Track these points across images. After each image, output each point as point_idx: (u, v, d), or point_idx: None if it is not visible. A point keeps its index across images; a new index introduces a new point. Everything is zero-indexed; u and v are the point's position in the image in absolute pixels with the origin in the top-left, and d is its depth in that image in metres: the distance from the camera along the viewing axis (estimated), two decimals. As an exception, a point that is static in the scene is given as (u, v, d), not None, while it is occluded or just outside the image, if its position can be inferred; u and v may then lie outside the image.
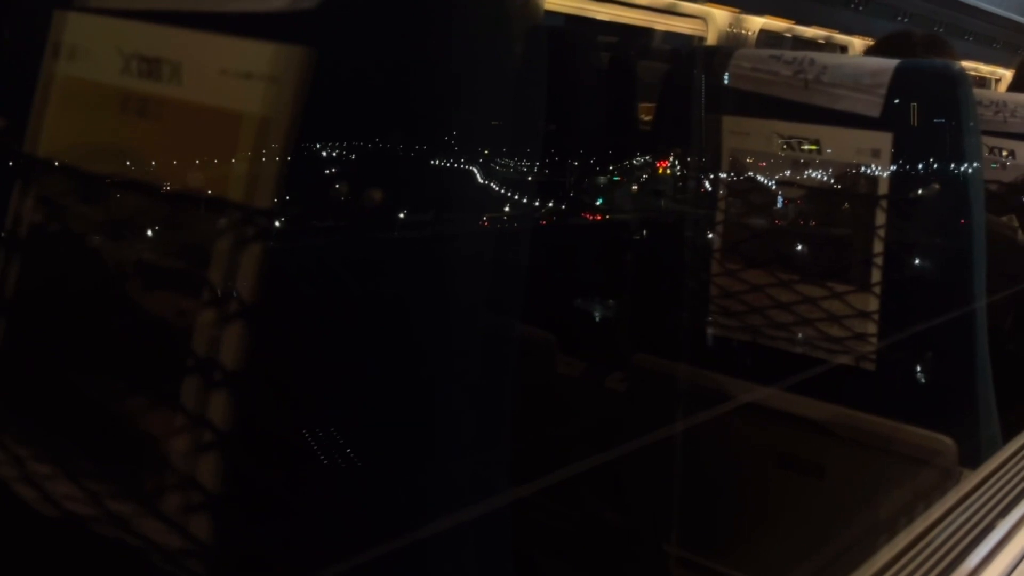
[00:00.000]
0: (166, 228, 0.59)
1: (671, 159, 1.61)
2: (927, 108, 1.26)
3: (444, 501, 0.58)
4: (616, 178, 1.76)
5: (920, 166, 1.26)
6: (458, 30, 0.59)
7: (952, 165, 1.26)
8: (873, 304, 1.25)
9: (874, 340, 1.25)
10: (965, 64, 1.42)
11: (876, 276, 1.25)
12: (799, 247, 1.34)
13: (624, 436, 1.24)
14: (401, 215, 0.58)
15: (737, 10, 2.98)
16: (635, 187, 1.74)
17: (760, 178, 1.33)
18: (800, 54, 1.32)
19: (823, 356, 1.28)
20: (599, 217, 1.75)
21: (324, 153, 0.56)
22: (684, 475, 1.15)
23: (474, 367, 0.59)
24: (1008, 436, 1.28)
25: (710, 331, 1.35)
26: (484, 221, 0.61)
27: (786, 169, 1.31)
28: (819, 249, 1.33)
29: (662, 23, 2.98)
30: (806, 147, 1.29)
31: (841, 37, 3.50)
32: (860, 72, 1.26)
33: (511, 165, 0.62)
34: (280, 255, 0.55)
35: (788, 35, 3.33)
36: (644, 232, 1.67)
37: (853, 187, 1.27)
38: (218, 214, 0.55)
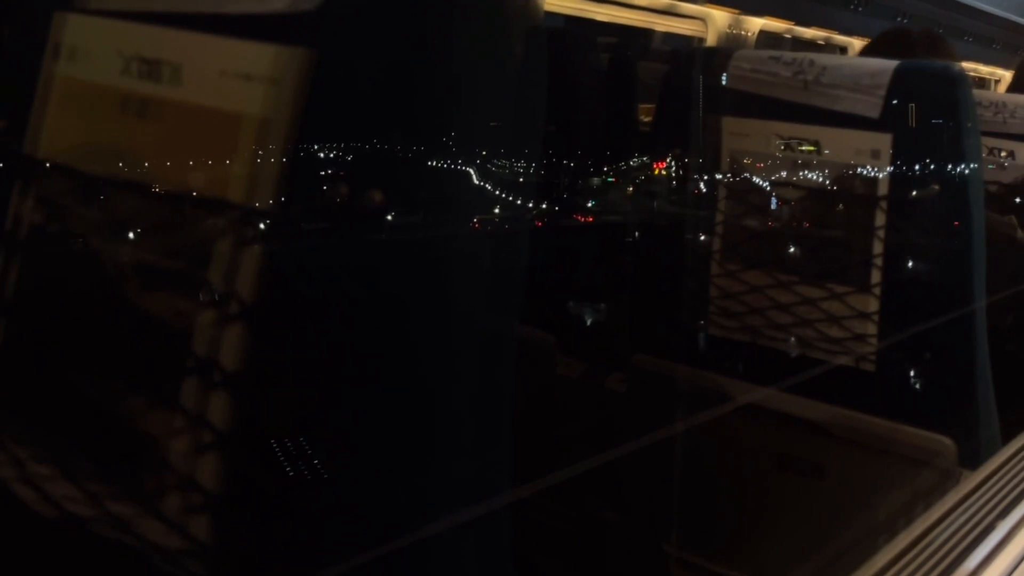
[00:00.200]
0: (166, 229, 0.59)
1: (671, 160, 1.61)
2: (927, 109, 1.26)
3: (444, 502, 0.58)
4: (616, 179, 1.76)
5: (920, 167, 1.26)
6: (458, 31, 0.59)
7: (952, 166, 1.26)
8: (873, 305, 1.25)
9: (873, 341, 1.25)
10: (964, 65, 1.42)
11: (876, 277, 1.25)
12: (798, 248, 1.34)
13: (624, 437, 1.24)
14: (401, 216, 0.58)
15: (736, 11, 2.98)
16: (635, 188, 1.74)
17: (760, 179, 1.33)
18: (800, 55, 1.32)
19: (823, 357, 1.28)
20: (599, 218, 1.75)
21: (324, 154, 0.56)
22: (684, 476, 1.15)
23: (474, 368, 0.59)
24: (1008, 437, 1.28)
25: (710, 332, 1.35)
26: (484, 222, 0.61)
27: (786, 170, 1.31)
28: (818, 250, 1.33)
29: (661, 24, 2.98)
30: (805, 148, 1.29)
31: (841, 38, 3.50)
32: (859, 73, 1.26)
33: (511, 166, 0.62)
34: (280, 256, 0.55)
35: (787, 36, 3.33)
36: (644, 233, 1.67)
37: (852, 188, 1.27)
38: (218, 215, 0.55)
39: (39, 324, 0.64)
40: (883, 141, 1.24)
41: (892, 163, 1.24)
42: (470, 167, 0.58)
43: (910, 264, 1.28)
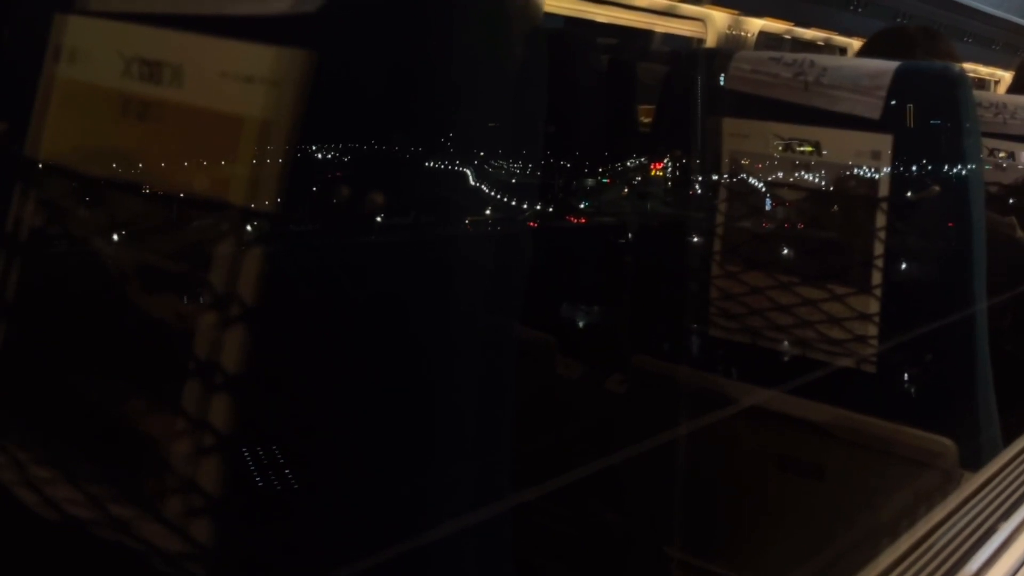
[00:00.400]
0: (167, 231, 0.58)
1: (671, 161, 1.61)
2: (927, 110, 1.26)
3: (445, 504, 0.58)
4: (616, 180, 1.76)
5: (920, 168, 1.26)
6: (458, 33, 0.59)
7: (952, 167, 1.26)
8: (873, 306, 1.25)
9: (874, 342, 1.25)
10: (964, 66, 1.42)
11: (876, 278, 1.25)
12: (799, 249, 1.34)
13: (624, 438, 1.24)
14: (402, 218, 0.58)
15: (736, 12, 2.99)
16: (636, 189, 1.74)
17: (760, 180, 1.33)
18: (800, 56, 1.32)
19: (823, 358, 1.28)
20: (600, 219, 1.75)
21: (325, 156, 0.56)
22: (684, 477, 1.15)
23: (475, 369, 0.59)
24: (1009, 438, 1.28)
25: (710, 333, 1.35)
26: (485, 223, 0.61)
27: (786, 171, 1.31)
28: (819, 251, 1.33)
29: (661, 25, 2.98)
30: (806, 149, 1.29)
31: (840, 39, 3.50)
32: (860, 74, 1.26)
33: (512, 167, 0.62)
34: (281, 258, 0.54)
35: (787, 37, 3.33)
36: (645, 234, 1.67)
37: (853, 189, 1.27)
38: (219, 217, 0.55)
39: (40, 326, 0.64)
40: (883, 142, 1.24)
41: (892, 164, 1.24)
42: (471, 168, 0.58)
43: (911, 265, 1.28)
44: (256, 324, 0.53)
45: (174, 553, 0.54)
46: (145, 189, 0.59)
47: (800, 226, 1.35)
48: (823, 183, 1.29)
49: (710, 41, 2.97)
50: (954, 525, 0.98)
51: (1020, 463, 1.18)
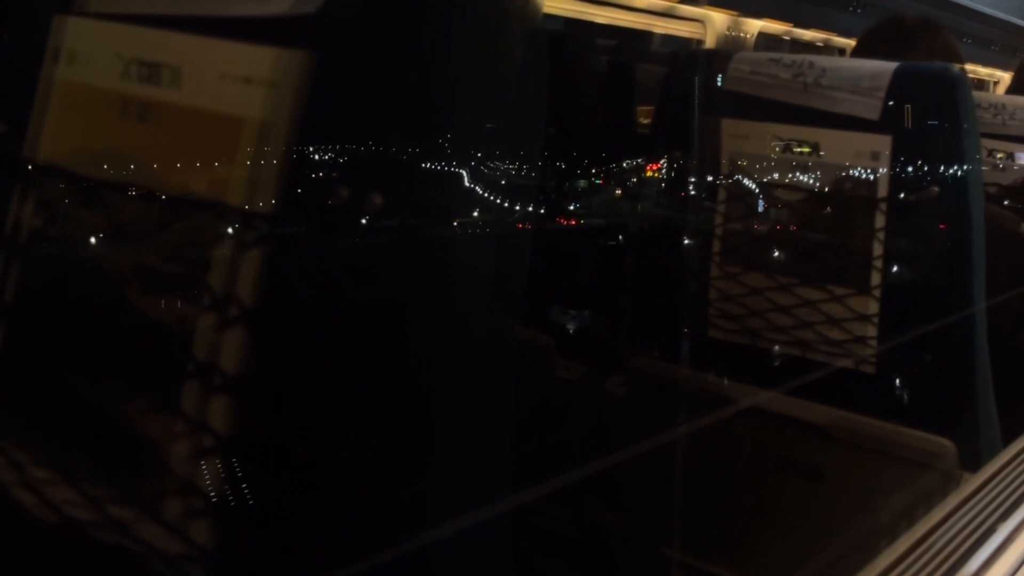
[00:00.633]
0: (166, 233, 0.58)
1: (670, 162, 1.61)
2: (926, 111, 1.26)
3: (445, 506, 0.58)
4: (615, 182, 1.76)
5: (919, 169, 1.26)
6: (458, 34, 0.59)
7: (951, 168, 1.26)
8: (873, 307, 1.25)
9: (873, 343, 1.25)
10: (963, 67, 1.42)
11: (876, 279, 1.25)
12: (798, 250, 1.34)
13: (624, 440, 1.24)
14: (401, 219, 0.58)
15: (735, 13, 2.99)
16: (635, 191, 1.74)
17: (759, 181, 1.33)
18: (799, 57, 1.32)
19: (822, 359, 1.28)
20: (599, 220, 1.75)
21: (324, 158, 0.56)
22: (683, 478, 1.15)
23: (475, 371, 0.59)
24: (1008, 439, 1.28)
25: (710, 334, 1.35)
26: (484, 225, 0.61)
27: (785, 172, 1.31)
28: (818, 252, 1.33)
29: (661, 26, 2.98)
30: (805, 150, 1.29)
31: (840, 40, 3.50)
32: (859, 75, 1.26)
33: (511, 169, 0.62)
34: (280, 260, 0.55)
35: (786, 38, 3.33)
36: (644, 235, 1.67)
37: (852, 190, 1.27)
38: (218, 218, 0.55)
39: (39, 328, 0.64)
40: (883, 143, 1.24)
41: (892, 165, 1.24)
42: (471, 170, 0.58)
43: (910, 266, 1.28)
44: (255, 326, 0.53)
45: (174, 554, 0.54)
46: (144, 190, 0.59)
47: (799, 227, 1.35)
48: (822, 184, 1.29)
49: (709, 42, 2.97)
50: (953, 526, 0.98)
51: (1019, 464, 1.18)
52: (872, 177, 1.25)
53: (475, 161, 0.59)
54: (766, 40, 3.15)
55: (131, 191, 0.59)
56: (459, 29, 0.59)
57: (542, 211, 1.58)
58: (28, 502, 0.58)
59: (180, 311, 0.56)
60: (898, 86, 1.24)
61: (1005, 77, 4.44)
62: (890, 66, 1.26)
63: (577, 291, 1.68)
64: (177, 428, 0.54)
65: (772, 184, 1.32)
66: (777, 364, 1.31)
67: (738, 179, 1.34)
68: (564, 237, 1.70)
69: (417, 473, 0.57)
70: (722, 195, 1.36)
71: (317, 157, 0.56)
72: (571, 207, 1.70)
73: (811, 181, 1.30)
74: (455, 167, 0.58)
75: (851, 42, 3.43)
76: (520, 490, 0.62)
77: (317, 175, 0.56)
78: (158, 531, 0.54)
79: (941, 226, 1.29)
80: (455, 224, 0.60)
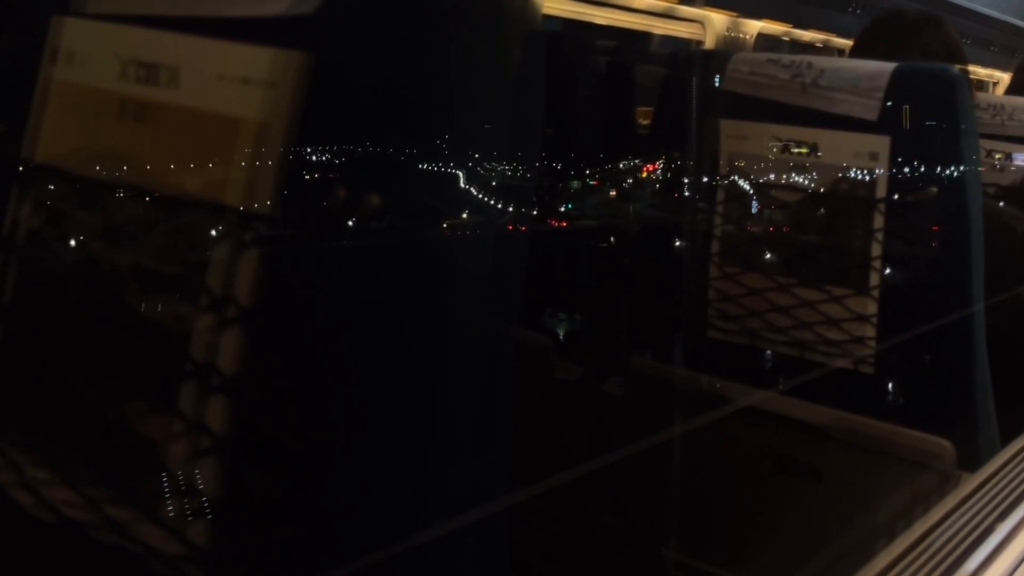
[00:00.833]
0: (164, 233, 0.59)
1: (669, 163, 1.61)
2: (925, 111, 1.26)
3: (443, 506, 0.58)
4: (614, 182, 1.76)
5: (918, 169, 1.26)
6: (456, 35, 0.59)
7: (950, 168, 1.26)
8: (871, 307, 1.25)
9: (872, 343, 1.25)
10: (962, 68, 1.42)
11: (874, 279, 1.25)
12: (797, 251, 1.34)
13: (622, 440, 1.24)
14: (399, 220, 0.58)
15: (735, 14, 2.99)
16: (634, 191, 1.74)
17: (758, 181, 1.33)
18: (797, 57, 1.32)
19: (821, 360, 1.28)
20: (598, 221, 1.75)
21: (322, 158, 0.56)
22: (682, 479, 1.15)
23: (473, 371, 0.59)
24: (1006, 439, 1.28)
25: (709, 335, 1.35)
26: (482, 226, 0.61)
27: (784, 172, 1.31)
28: (817, 252, 1.33)
29: (660, 27, 2.98)
30: (804, 150, 1.29)
31: (839, 41, 3.50)
32: (857, 75, 1.27)
33: (510, 170, 0.62)
34: (278, 260, 0.55)
35: (786, 39, 3.33)
36: (643, 236, 1.67)
37: (851, 190, 1.27)
38: (216, 219, 0.55)
39: (37, 328, 0.64)
40: (881, 143, 1.24)
41: (890, 165, 1.24)
42: (468, 171, 0.58)
43: (909, 267, 1.28)
44: (253, 326, 0.53)
45: (172, 555, 0.54)
46: (142, 191, 0.59)
47: (798, 228, 1.35)
48: (821, 185, 1.29)
49: (709, 43, 2.97)
50: (951, 525, 0.98)
51: (1017, 464, 1.18)
52: (870, 178, 1.25)
53: (473, 162, 0.59)
54: (765, 41, 3.15)
55: (129, 192, 0.59)
56: (457, 30, 0.59)
57: (541, 212, 1.59)
58: (27, 503, 0.58)
59: (178, 311, 0.56)
60: (897, 86, 1.24)
61: (1004, 78, 4.45)
62: (889, 66, 1.26)
63: (576, 292, 1.68)
64: (175, 428, 0.54)
65: (771, 185, 1.32)
66: (776, 365, 1.31)
67: (737, 180, 1.34)
68: (563, 238, 1.70)
69: (415, 473, 0.57)
70: (721, 196, 1.36)
71: (315, 158, 0.56)
72: (570, 208, 1.70)
73: (810, 182, 1.30)
74: (453, 168, 0.58)
75: (850, 43, 3.44)
76: (519, 491, 0.63)
77: (315, 176, 0.56)
78: (156, 532, 0.55)
79: (940, 226, 1.29)
80: (453, 224, 0.60)
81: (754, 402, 1.24)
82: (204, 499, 0.53)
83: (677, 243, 1.51)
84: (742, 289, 1.32)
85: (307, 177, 0.56)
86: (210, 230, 0.55)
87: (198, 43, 0.57)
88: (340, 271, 0.56)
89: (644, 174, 1.74)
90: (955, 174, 1.26)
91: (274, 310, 0.55)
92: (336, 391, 0.56)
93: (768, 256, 1.34)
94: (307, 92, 0.53)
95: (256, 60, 0.54)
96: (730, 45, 2.98)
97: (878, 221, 1.25)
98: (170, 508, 0.54)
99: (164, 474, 0.54)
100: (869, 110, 1.24)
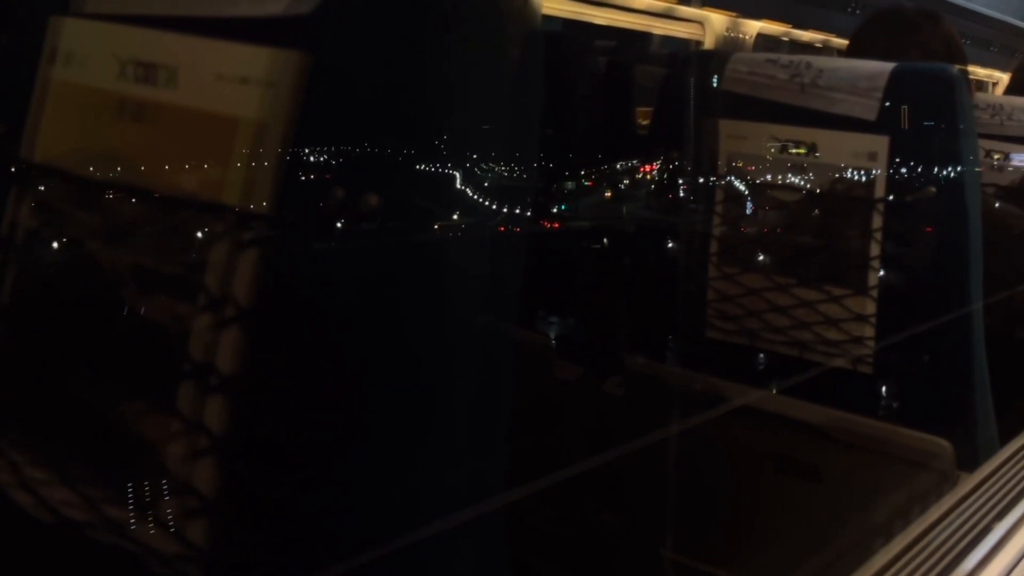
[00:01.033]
0: (162, 233, 0.59)
1: (668, 163, 1.61)
2: (924, 111, 1.26)
3: (440, 506, 0.58)
4: (613, 183, 1.76)
5: (917, 169, 1.26)
6: (455, 35, 0.59)
7: (949, 168, 1.27)
8: (870, 307, 1.25)
9: (871, 343, 1.25)
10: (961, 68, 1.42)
11: (873, 280, 1.25)
12: (796, 251, 1.34)
13: (621, 440, 1.24)
14: (397, 220, 0.58)
15: (734, 14, 2.99)
16: (633, 191, 1.74)
17: (757, 181, 1.33)
18: (796, 57, 1.32)
19: (820, 359, 1.28)
20: (597, 222, 1.75)
21: (320, 158, 0.56)
22: (681, 479, 1.15)
23: (470, 371, 0.59)
24: (1005, 439, 1.28)
25: (707, 335, 1.35)
26: (481, 226, 0.61)
27: (783, 172, 1.31)
28: (816, 252, 1.33)
29: (660, 27, 2.98)
30: (803, 150, 1.30)
31: (838, 41, 3.50)
32: (856, 75, 1.27)
33: (507, 170, 0.62)
34: (276, 260, 0.55)
35: (785, 39, 3.33)
36: (642, 236, 1.67)
37: (850, 190, 1.27)
38: (214, 219, 0.55)
39: (35, 329, 0.64)
40: (880, 143, 1.24)
41: (889, 165, 1.24)
42: (467, 171, 0.59)
43: (907, 267, 1.28)
44: (251, 326, 0.53)
45: (170, 555, 0.54)
46: (140, 191, 0.59)
47: (797, 228, 1.35)
48: (819, 185, 1.29)
49: (708, 43, 2.97)
50: (950, 525, 0.98)
51: (1016, 463, 1.18)
52: (869, 178, 1.25)
53: (472, 162, 0.59)
54: (765, 41, 3.15)
55: (127, 191, 0.60)
56: (456, 30, 0.59)
57: (540, 212, 1.59)
58: (25, 502, 0.58)
59: (176, 311, 0.56)
60: (895, 86, 1.24)
61: (1004, 78, 4.45)
62: (888, 66, 1.26)
63: (576, 292, 1.68)
64: (173, 428, 0.54)
65: (770, 185, 1.32)
66: (775, 365, 1.31)
67: (736, 180, 1.35)
68: (562, 238, 1.70)
69: (412, 473, 0.58)
70: (720, 196, 1.36)
71: (313, 158, 0.56)
72: (569, 208, 1.70)
73: (808, 182, 1.30)
74: (451, 168, 0.58)
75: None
76: (517, 490, 0.63)
77: (313, 176, 0.56)
78: (155, 531, 0.55)
79: (938, 226, 1.29)
80: (451, 225, 0.60)
81: (753, 402, 1.24)
82: (202, 499, 0.53)
83: (676, 243, 1.51)
84: (741, 289, 1.32)
85: (306, 177, 0.56)
86: (208, 230, 0.55)
87: (196, 43, 0.57)
88: (338, 271, 0.57)
89: (644, 174, 1.74)
90: (954, 174, 1.26)
91: (272, 310, 0.55)
92: (334, 391, 0.56)
93: (767, 256, 1.34)
94: (305, 92, 0.53)
95: (254, 60, 0.54)
96: (729, 45, 2.98)
97: (877, 221, 1.25)
98: (169, 508, 0.54)
99: (163, 474, 0.54)
100: (868, 110, 1.24)
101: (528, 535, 1.21)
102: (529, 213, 0.65)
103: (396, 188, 0.58)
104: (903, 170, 1.25)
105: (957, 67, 1.31)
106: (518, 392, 0.61)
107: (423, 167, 0.58)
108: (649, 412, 1.34)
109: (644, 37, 3.01)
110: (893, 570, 0.89)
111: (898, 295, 1.26)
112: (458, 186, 0.59)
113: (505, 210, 0.62)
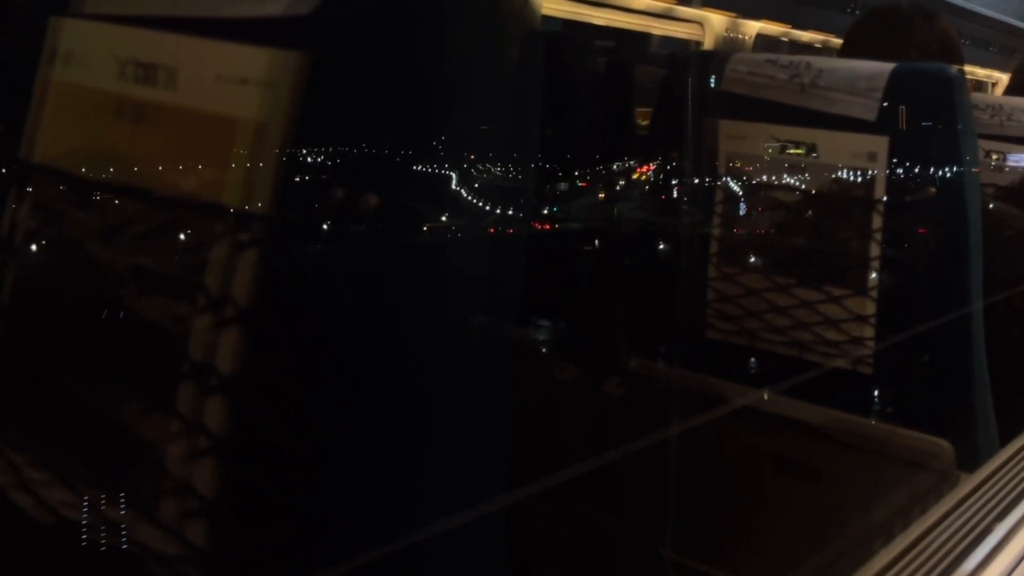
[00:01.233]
0: (162, 233, 0.59)
1: (668, 163, 1.61)
2: (923, 111, 1.26)
3: (440, 507, 0.58)
4: (613, 183, 1.76)
5: (916, 170, 1.26)
6: (454, 35, 0.59)
7: (948, 169, 1.27)
8: (870, 308, 1.25)
9: (871, 344, 1.25)
10: (961, 68, 1.42)
11: (873, 280, 1.25)
12: (795, 251, 1.34)
13: (621, 441, 1.24)
14: (396, 221, 0.58)
15: (734, 14, 2.99)
16: (632, 192, 1.74)
17: (757, 182, 1.33)
18: (796, 58, 1.32)
19: (820, 360, 1.28)
20: (596, 222, 1.75)
21: (320, 159, 0.56)
22: (680, 479, 1.15)
23: (470, 372, 0.59)
24: (1005, 439, 1.28)
25: (707, 335, 1.35)
26: (480, 227, 0.61)
27: (782, 173, 1.31)
28: (816, 253, 1.33)
29: (659, 28, 2.98)
30: (802, 151, 1.30)
31: (838, 41, 3.50)
32: (856, 76, 1.27)
33: (507, 171, 0.62)
34: (276, 261, 0.55)
35: (785, 39, 3.33)
36: (642, 236, 1.67)
37: (849, 191, 1.27)
38: (214, 219, 0.55)
39: (35, 329, 0.64)
40: (880, 144, 1.24)
41: (889, 166, 1.24)
42: (466, 172, 0.58)
43: (907, 267, 1.28)
44: (251, 326, 0.53)
45: (170, 555, 0.54)
46: (139, 191, 0.59)
47: (797, 228, 1.35)
48: (819, 185, 1.29)
49: (708, 44, 2.97)
50: (950, 525, 0.98)
51: (1016, 464, 1.18)
52: (869, 178, 1.25)
53: (471, 163, 0.59)
54: (764, 41, 3.15)
55: (127, 192, 0.59)
56: (456, 30, 0.59)
57: (539, 213, 1.59)
58: (25, 503, 0.58)
59: (176, 312, 0.56)
60: (895, 87, 1.24)
61: (1003, 78, 4.45)
62: (887, 67, 1.26)
63: (575, 293, 1.68)
64: (173, 429, 0.54)
65: (769, 185, 1.32)
66: (775, 365, 1.31)
67: (736, 180, 1.35)
68: (562, 238, 1.70)
69: (412, 474, 0.57)
70: (719, 196, 1.36)
71: (313, 158, 0.56)
72: (568, 208, 1.70)
73: (808, 182, 1.30)
74: (451, 169, 0.58)
75: (849, 44, 3.43)
76: (516, 491, 0.62)
77: (313, 176, 0.56)
78: (154, 532, 0.55)
79: (938, 227, 1.29)
80: (450, 226, 0.60)
81: (753, 402, 1.24)
82: (202, 499, 0.53)
83: (676, 243, 1.51)
84: (741, 289, 1.33)
85: (305, 178, 0.56)
86: (208, 230, 0.55)
87: (196, 43, 0.57)
88: (338, 272, 0.56)
89: (643, 175, 1.74)
90: (953, 174, 1.26)
91: (272, 311, 0.55)
92: (334, 392, 0.56)
93: (767, 256, 1.34)
94: (305, 93, 0.53)
95: (254, 60, 0.54)
96: (729, 46, 2.98)
97: (876, 221, 1.25)
98: (168, 508, 0.54)
99: (162, 474, 0.54)
100: (867, 110, 1.24)
101: (528, 535, 1.21)
102: (529, 214, 0.65)
103: (396, 189, 0.58)
104: (903, 170, 1.25)
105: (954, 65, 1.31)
106: (517, 393, 0.61)
107: (423, 168, 0.58)
108: (649, 412, 1.34)
109: (643, 37, 3.01)
110: (893, 571, 0.89)
111: (898, 295, 1.26)
112: (458, 187, 0.59)
113: (505, 211, 0.62)
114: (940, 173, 1.26)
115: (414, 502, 0.57)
